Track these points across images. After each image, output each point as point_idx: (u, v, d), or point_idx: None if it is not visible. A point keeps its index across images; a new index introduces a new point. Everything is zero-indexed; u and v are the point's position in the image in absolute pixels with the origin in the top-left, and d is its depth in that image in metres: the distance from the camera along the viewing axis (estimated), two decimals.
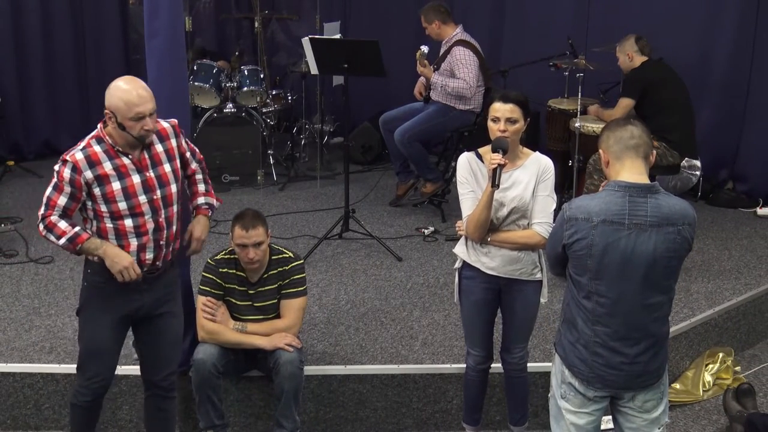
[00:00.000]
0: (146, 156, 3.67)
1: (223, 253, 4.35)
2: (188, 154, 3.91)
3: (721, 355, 5.11)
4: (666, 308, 3.20)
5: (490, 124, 3.81)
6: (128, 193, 3.61)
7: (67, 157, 3.59)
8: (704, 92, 7.19)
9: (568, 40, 7.01)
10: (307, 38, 6.35)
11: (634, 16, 7.35)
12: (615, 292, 3.11)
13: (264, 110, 7.98)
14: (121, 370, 4.47)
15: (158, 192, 3.67)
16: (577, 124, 6.38)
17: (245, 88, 7.78)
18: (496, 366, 4.28)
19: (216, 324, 4.24)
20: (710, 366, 5.06)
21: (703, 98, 7.11)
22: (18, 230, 6.41)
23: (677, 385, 4.96)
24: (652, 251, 3.05)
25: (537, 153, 3.94)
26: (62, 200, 3.60)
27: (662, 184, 6.37)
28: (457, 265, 4.06)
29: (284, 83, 8.82)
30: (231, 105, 7.71)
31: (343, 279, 5.76)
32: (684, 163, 6.10)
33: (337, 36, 7.40)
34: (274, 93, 8.23)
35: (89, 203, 3.64)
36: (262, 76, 7.91)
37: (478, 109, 6.83)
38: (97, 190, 3.59)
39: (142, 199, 3.63)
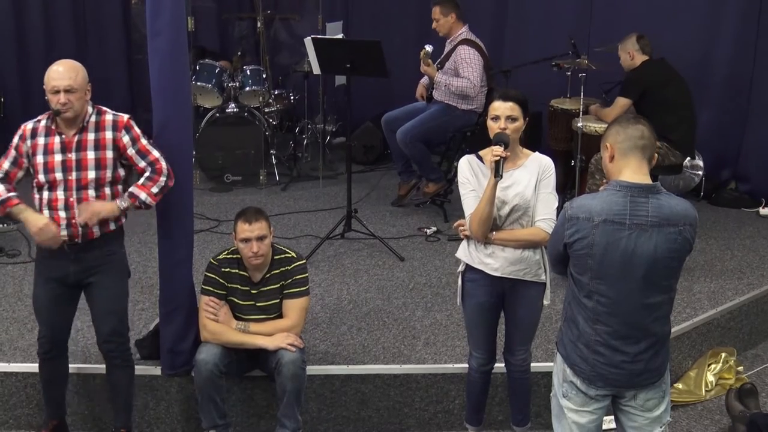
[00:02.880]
0: (75, 140, 3.98)
1: (226, 252, 4.36)
2: (131, 151, 4.06)
3: (723, 355, 5.12)
4: (666, 308, 3.20)
5: (490, 122, 3.84)
6: (47, 168, 3.97)
7: (22, 125, 4.07)
8: (706, 91, 7.19)
9: (570, 40, 7.01)
10: (309, 38, 6.37)
11: (636, 15, 7.36)
12: (615, 291, 3.11)
13: (266, 110, 7.99)
14: None
15: (74, 174, 3.96)
16: (579, 124, 6.39)
17: (247, 88, 7.79)
18: (499, 366, 4.28)
19: (218, 324, 4.25)
20: (713, 366, 5.07)
21: (705, 97, 7.12)
22: (20, 230, 6.42)
23: (680, 385, 4.97)
24: (652, 251, 3.06)
25: (537, 153, 3.96)
26: (6, 164, 4.06)
27: (664, 184, 6.39)
28: (460, 268, 4.06)
29: (286, 83, 8.83)
30: (233, 105, 7.72)
31: (346, 279, 5.78)
32: (686, 162, 6.11)
33: (340, 36, 7.41)
34: (276, 93, 8.24)
35: (34, 172, 4.04)
36: (264, 76, 7.92)
37: (481, 109, 6.83)
38: (33, 160, 4.01)
39: (58, 176, 3.96)
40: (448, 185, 7.03)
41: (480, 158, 3.93)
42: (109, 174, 4.00)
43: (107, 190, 4.03)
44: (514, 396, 4.28)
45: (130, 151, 4.05)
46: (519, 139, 3.89)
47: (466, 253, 4.00)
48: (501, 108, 3.80)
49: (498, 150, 3.71)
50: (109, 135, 4.01)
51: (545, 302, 4.03)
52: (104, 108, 4.11)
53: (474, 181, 3.90)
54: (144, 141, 4.09)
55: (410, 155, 6.93)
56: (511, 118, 3.79)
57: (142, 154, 4.08)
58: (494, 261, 3.90)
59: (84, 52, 8.71)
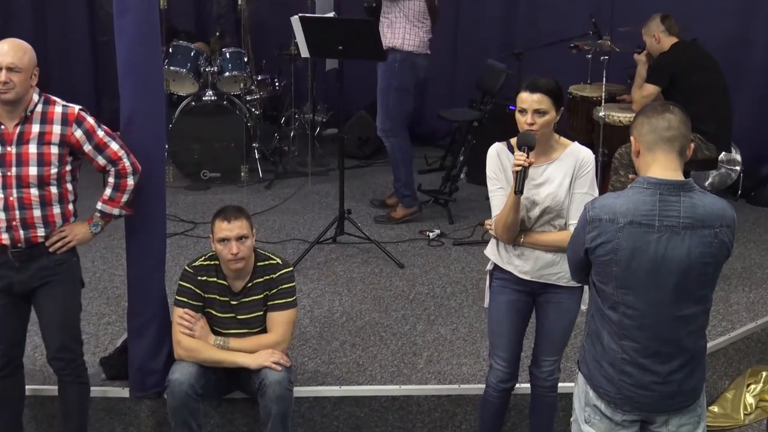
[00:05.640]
0: (17, 132, 3.92)
1: (202, 258, 4.35)
2: (87, 147, 4.03)
3: (764, 374, 5.12)
4: (702, 320, 3.19)
5: (517, 115, 3.79)
6: None
7: None
8: (743, 78, 7.20)
9: (591, 19, 7.01)
10: (296, 17, 6.35)
11: None
12: (644, 302, 3.10)
13: (248, 98, 7.99)
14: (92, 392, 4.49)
15: (13, 169, 3.92)
16: (601, 114, 6.39)
17: (227, 73, 7.79)
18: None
19: (194, 339, 4.24)
20: (752, 386, 5.07)
21: (741, 85, 7.13)
22: None
23: (715, 408, 4.97)
24: (685, 256, 3.05)
25: (575, 144, 3.89)
26: None
27: (698, 180, 6.38)
28: (489, 267, 4.06)
29: (271, 67, 8.82)
30: (211, 92, 7.72)
31: (338, 288, 5.77)
32: (722, 157, 6.10)
33: (331, 14, 7.40)
34: (259, 78, 8.24)
35: None
36: (245, 59, 7.92)
37: (422, 50, 6.69)
38: None
39: None
40: (419, 211, 6.94)
41: (511, 148, 3.89)
42: (53, 171, 3.95)
43: (53, 189, 3.98)
44: (536, 417, 4.25)
45: (87, 148, 4.02)
46: (553, 128, 3.83)
47: (495, 252, 3.99)
48: (528, 100, 3.74)
49: (520, 158, 3.65)
50: (57, 129, 3.96)
51: (582, 307, 3.98)
52: (54, 97, 4.05)
53: (502, 178, 3.86)
54: (100, 132, 4.05)
55: (390, 150, 6.84)
56: (540, 112, 3.73)
57: (100, 148, 4.05)
58: (524, 263, 3.90)
59: (43, 33, 8.71)
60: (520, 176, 3.65)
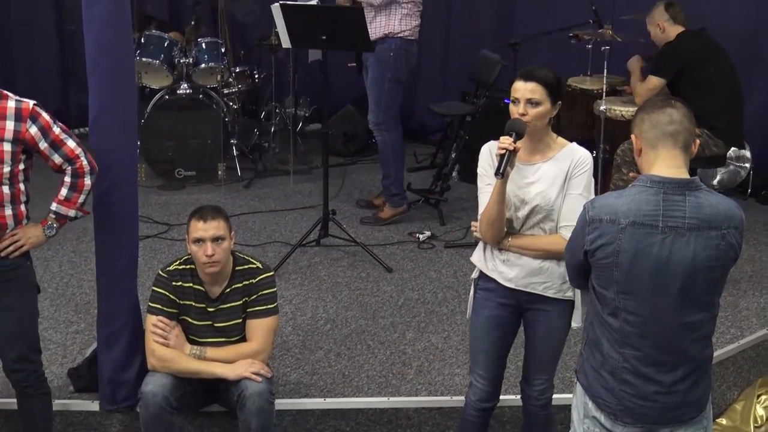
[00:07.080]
0: None
1: (177, 262, 4.35)
2: (43, 145, 3.98)
3: None
4: (708, 327, 3.21)
5: (510, 105, 3.81)
6: None
7: None
8: (755, 69, 7.23)
9: (592, 7, 7.04)
10: (277, 4, 6.36)
11: None
12: (646, 308, 3.12)
13: (226, 91, 7.99)
14: (54, 405, 4.49)
15: None
16: (602, 108, 6.41)
17: (203, 65, 7.79)
18: (503, 397, 4.26)
19: (169, 349, 4.23)
20: (763, 397, 5.08)
21: (753, 77, 7.14)
22: None
23: (723, 421, 4.99)
24: (691, 259, 3.07)
25: (573, 144, 3.90)
26: None
27: (704, 178, 6.42)
28: (474, 275, 4.06)
29: (250, 59, 8.82)
30: (186, 85, 7.72)
31: (322, 294, 5.78)
32: (731, 153, 6.12)
33: (314, 2, 7.41)
34: (237, 71, 8.23)
35: None
36: (223, 50, 7.92)
37: (415, 36, 6.70)
38: None
39: None
40: (408, 211, 6.96)
41: None
42: (6, 169, 3.89)
43: (5, 189, 3.92)
44: None
45: (42, 146, 3.96)
46: (549, 124, 3.84)
47: (481, 258, 4.00)
48: (521, 89, 3.75)
49: (505, 142, 3.67)
50: (10, 125, 3.89)
51: (573, 325, 3.97)
52: (6, 92, 3.97)
53: (492, 175, 3.87)
54: (56, 129, 3.99)
55: (381, 144, 6.87)
56: (532, 102, 3.74)
57: (56, 145, 4.00)
58: (509, 269, 3.89)
59: (6, 20, 8.68)
60: (504, 159, 3.64)
